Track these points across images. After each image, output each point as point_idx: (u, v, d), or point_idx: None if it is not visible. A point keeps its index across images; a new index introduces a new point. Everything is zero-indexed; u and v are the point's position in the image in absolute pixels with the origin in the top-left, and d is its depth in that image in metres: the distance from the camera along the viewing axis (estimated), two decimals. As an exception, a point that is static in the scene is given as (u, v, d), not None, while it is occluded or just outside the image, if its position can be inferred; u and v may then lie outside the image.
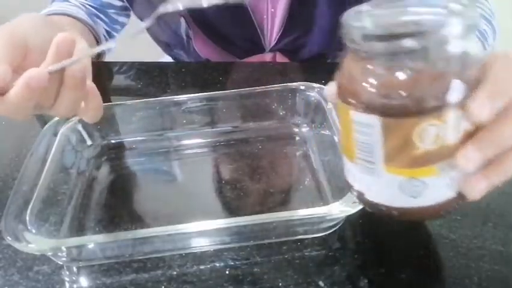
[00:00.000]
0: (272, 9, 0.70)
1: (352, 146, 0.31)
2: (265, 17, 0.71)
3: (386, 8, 0.30)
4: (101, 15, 0.71)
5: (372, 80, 0.28)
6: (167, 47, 0.81)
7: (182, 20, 0.75)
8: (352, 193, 0.34)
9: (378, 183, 0.30)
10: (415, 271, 0.39)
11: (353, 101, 0.29)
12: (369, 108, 0.28)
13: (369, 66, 0.28)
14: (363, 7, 0.31)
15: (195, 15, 0.73)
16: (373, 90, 0.28)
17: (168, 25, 0.75)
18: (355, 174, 0.32)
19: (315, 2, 0.68)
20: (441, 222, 0.43)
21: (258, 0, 0.68)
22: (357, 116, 0.29)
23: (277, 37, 0.72)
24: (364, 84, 0.28)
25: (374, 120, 0.28)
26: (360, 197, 0.33)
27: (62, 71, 0.37)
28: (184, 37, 0.78)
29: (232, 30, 0.72)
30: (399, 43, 0.26)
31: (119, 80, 0.67)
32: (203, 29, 0.75)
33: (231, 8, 0.69)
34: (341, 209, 0.38)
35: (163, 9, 0.44)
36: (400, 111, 0.27)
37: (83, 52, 0.39)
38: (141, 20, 0.74)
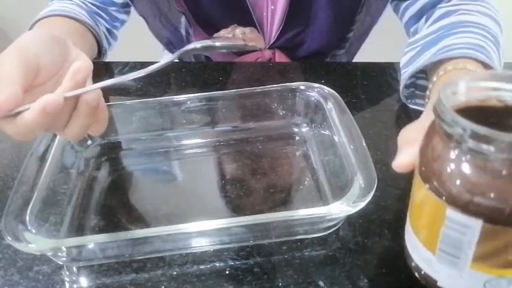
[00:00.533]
0: (272, 7, 0.70)
1: (436, 237, 0.29)
2: (264, 14, 0.71)
3: (487, 90, 0.28)
4: (102, 13, 0.71)
5: (483, 181, 0.25)
6: (168, 45, 0.81)
7: (183, 18, 0.75)
8: (415, 271, 0.33)
9: (460, 276, 0.29)
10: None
11: (450, 198, 0.27)
12: (472, 211, 0.26)
13: (478, 163, 0.25)
14: (461, 84, 0.28)
15: (196, 13, 0.73)
16: (485, 194, 0.25)
17: (170, 22, 0.76)
18: (429, 260, 0.30)
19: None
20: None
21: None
22: (454, 215, 0.27)
23: (277, 34, 0.72)
24: (473, 184, 0.25)
25: (475, 223, 0.26)
26: (430, 282, 0.32)
27: (76, 97, 0.38)
28: (184, 34, 0.78)
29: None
30: None
31: (119, 80, 0.67)
32: (203, 26, 0.75)
33: (231, 6, 0.69)
34: (341, 209, 0.38)
35: (190, 46, 0.46)
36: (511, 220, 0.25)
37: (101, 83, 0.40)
38: (142, 17, 0.74)
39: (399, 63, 0.61)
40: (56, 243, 0.39)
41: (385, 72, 0.64)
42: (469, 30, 0.52)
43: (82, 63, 0.39)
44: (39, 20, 0.64)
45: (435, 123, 0.28)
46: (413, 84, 0.58)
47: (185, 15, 0.74)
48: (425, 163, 0.29)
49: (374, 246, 0.42)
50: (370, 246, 0.42)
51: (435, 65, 0.50)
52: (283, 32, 0.72)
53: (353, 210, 0.37)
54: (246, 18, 0.69)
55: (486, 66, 0.48)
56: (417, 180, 0.30)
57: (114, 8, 0.72)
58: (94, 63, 0.70)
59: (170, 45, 0.81)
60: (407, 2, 0.65)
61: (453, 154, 0.27)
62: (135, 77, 0.42)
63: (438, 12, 0.59)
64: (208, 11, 0.72)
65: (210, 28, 0.75)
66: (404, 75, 0.55)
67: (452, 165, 0.27)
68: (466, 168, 0.26)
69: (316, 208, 0.39)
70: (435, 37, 0.55)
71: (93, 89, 0.39)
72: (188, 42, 0.79)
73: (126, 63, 0.70)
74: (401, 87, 0.56)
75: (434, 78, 0.49)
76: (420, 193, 0.30)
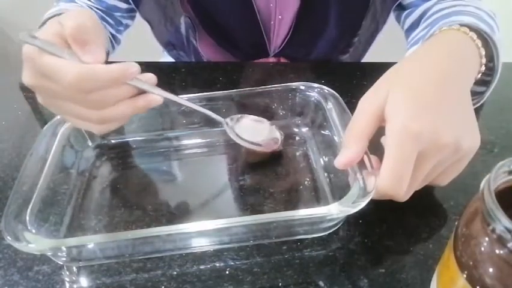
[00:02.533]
0: (280, 16, 0.70)
1: None
2: (272, 23, 0.71)
3: None
4: (108, 18, 0.71)
5: None
6: (169, 46, 0.81)
7: (182, 19, 0.75)
8: None
9: None
10: (415, 271, 0.39)
11: None
12: None
13: None
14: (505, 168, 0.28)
15: (202, 18, 0.73)
16: None
17: (173, 25, 0.75)
18: None
19: (324, 12, 0.68)
20: (441, 222, 0.43)
21: (266, 6, 0.69)
22: None
23: (283, 44, 0.72)
24: None
25: None
26: None
27: (138, 90, 0.43)
28: (184, 37, 0.78)
29: (239, 34, 0.73)
30: None
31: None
32: (209, 31, 0.75)
33: (239, 12, 0.69)
34: (340, 209, 0.38)
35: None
36: None
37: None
38: (147, 21, 0.74)
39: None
40: (56, 243, 0.39)
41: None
42: (466, 13, 0.52)
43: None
44: (47, 20, 0.64)
45: (482, 219, 0.27)
46: None
47: (190, 20, 0.74)
48: (465, 250, 0.28)
49: (374, 246, 0.42)
50: (370, 246, 0.42)
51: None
52: (290, 42, 0.72)
53: (352, 210, 0.37)
54: (253, 26, 0.70)
55: (484, 38, 0.47)
56: (451, 262, 0.30)
57: (119, 14, 0.72)
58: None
59: (170, 46, 0.81)
60: (407, 11, 0.65)
61: (498, 251, 0.26)
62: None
63: (435, 8, 0.60)
64: (216, 17, 0.72)
65: (216, 33, 0.75)
66: None
67: (494, 262, 0.26)
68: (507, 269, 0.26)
69: (316, 208, 0.39)
70: (432, 24, 0.55)
71: (163, 94, 0.44)
72: (189, 43, 0.79)
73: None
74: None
75: (428, 35, 0.49)
76: (455, 277, 0.29)
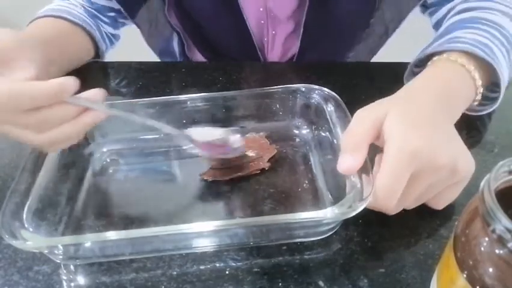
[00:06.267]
0: (273, 32, 0.71)
1: None
2: (265, 39, 0.72)
3: None
4: (101, 16, 0.71)
5: None
6: (163, 56, 0.81)
7: (175, 35, 0.75)
8: None
9: None
10: (415, 271, 0.39)
11: None
12: None
13: None
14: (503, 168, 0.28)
15: (193, 35, 0.74)
16: None
17: (162, 36, 0.76)
18: None
19: (326, 32, 0.69)
20: (441, 222, 0.43)
21: (257, 24, 0.70)
22: None
23: (278, 58, 0.73)
24: None
25: None
26: None
27: (79, 108, 0.40)
28: (177, 51, 0.79)
29: (233, 51, 0.74)
30: None
31: (119, 80, 0.67)
32: (202, 48, 0.76)
33: (232, 30, 0.69)
34: (337, 213, 0.38)
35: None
36: None
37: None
38: (139, 27, 0.74)
39: (400, 63, 0.61)
40: (52, 241, 0.39)
41: (386, 73, 0.64)
42: (481, 28, 0.52)
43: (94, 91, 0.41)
44: (37, 18, 0.64)
45: (482, 219, 0.27)
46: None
47: (180, 35, 0.75)
48: (465, 250, 0.28)
49: (373, 246, 0.42)
50: (370, 246, 0.42)
51: (439, 53, 0.51)
52: (284, 56, 0.73)
53: (350, 214, 0.37)
54: (247, 42, 0.70)
55: (486, 63, 0.48)
56: (451, 262, 0.30)
57: (113, 14, 0.72)
58: (93, 63, 0.71)
59: (164, 55, 0.81)
60: (431, 9, 0.66)
61: (498, 251, 0.26)
62: (145, 122, 0.45)
63: (459, 8, 0.60)
64: (208, 34, 0.72)
65: (208, 51, 0.75)
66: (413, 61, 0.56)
67: (493, 261, 0.27)
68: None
69: (313, 212, 0.39)
70: (449, 27, 0.56)
71: (104, 110, 0.41)
72: (181, 56, 0.80)
73: (126, 63, 0.70)
74: (406, 72, 0.56)
75: (429, 63, 0.50)
76: (455, 277, 0.30)
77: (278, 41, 0.72)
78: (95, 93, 0.41)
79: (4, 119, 0.38)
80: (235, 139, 0.50)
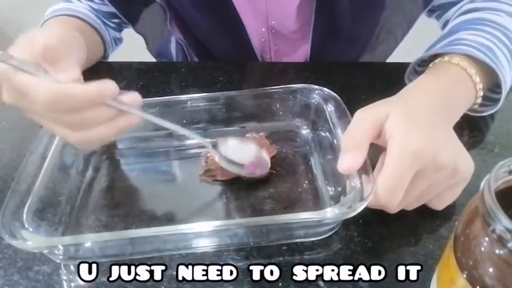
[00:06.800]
0: (275, 47, 0.71)
1: None
2: (268, 56, 0.73)
3: None
4: (106, 21, 0.71)
5: None
6: (159, 56, 0.81)
7: (173, 39, 0.76)
8: None
9: None
10: (415, 271, 0.39)
11: None
12: None
13: None
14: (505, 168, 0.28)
15: (197, 50, 0.75)
16: None
17: (161, 40, 0.76)
18: None
19: (333, 49, 0.69)
20: (441, 222, 0.43)
21: (258, 42, 0.71)
22: None
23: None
24: None
25: None
26: None
27: (117, 111, 0.41)
28: (174, 55, 0.79)
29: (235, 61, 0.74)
30: None
31: (119, 80, 0.67)
32: (204, 60, 0.76)
33: (236, 49, 0.70)
34: (337, 213, 0.38)
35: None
36: None
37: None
38: (142, 35, 0.74)
39: (400, 63, 0.61)
40: (52, 241, 0.38)
41: (386, 73, 0.64)
42: (485, 30, 0.52)
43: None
44: (49, 18, 0.64)
45: (482, 219, 0.27)
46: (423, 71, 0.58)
47: (181, 43, 0.75)
48: (465, 250, 0.28)
49: (373, 246, 0.42)
50: (370, 246, 0.42)
51: (441, 54, 0.51)
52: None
53: (350, 214, 0.37)
54: (250, 57, 0.71)
55: (488, 67, 0.48)
56: (451, 262, 0.30)
57: (117, 20, 0.72)
58: (97, 63, 0.70)
59: (162, 56, 0.81)
60: (437, 12, 0.66)
61: (498, 251, 0.26)
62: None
63: (465, 8, 0.60)
64: (210, 47, 0.73)
65: (209, 61, 0.76)
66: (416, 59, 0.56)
67: (493, 262, 0.26)
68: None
69: (314, 212, 0.39)
70: (454, 28, 0.56)
71: (140, 115, 0.42)
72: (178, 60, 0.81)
73: (126, 63, 0.70)
74: (408, 70, 0.56)
75: (430, 65, 0.51)
76: (455, 277, 0.30)
77: (280, 56, 0.73)
78: (134, 99, 0.42)
79: (46, 116, 0.40)
80: (265, 155, 0.50)
